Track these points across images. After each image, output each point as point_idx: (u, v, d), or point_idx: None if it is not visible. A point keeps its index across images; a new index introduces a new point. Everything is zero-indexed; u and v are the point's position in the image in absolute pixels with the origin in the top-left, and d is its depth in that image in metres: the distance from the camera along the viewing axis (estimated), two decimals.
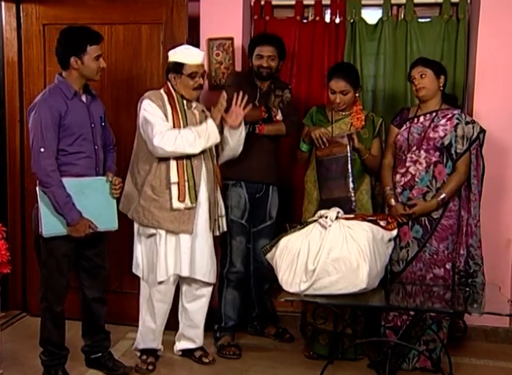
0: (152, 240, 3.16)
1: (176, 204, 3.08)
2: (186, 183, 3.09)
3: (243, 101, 3.14)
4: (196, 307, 3.35)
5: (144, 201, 3.12)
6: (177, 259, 3.14)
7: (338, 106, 3.35)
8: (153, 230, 3.14)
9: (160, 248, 3.13)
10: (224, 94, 3.17)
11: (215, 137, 3.10)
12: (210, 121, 3.10)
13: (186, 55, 3.12)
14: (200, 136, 3.05)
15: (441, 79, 3.17)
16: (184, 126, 3.11)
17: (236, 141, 3.23)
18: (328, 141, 3.28)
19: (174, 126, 3.09)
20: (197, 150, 3.07)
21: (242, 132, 3.23)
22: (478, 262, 3.18)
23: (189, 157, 3.10)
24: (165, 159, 3.09)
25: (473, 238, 3.18)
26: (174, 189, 3.08)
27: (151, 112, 3.08)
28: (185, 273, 3.15)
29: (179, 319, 3.41)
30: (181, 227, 3.11)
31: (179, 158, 3.08)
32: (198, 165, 3.15)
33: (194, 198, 3.11)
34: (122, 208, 3.20)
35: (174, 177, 3.08)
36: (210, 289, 3.35)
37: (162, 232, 3.12)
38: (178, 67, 3.11)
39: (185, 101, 3.18)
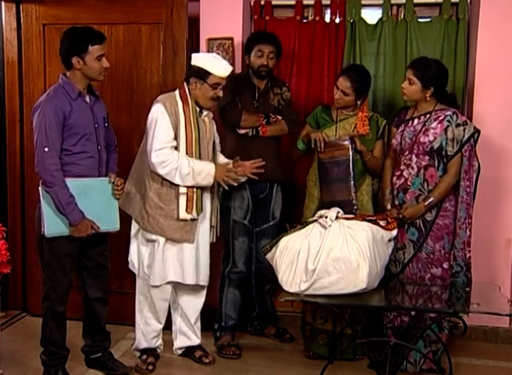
0: (151, 244, 3.18)
1: (183, 214, 3.09)
2: (195, 195, 3.10)
3: (256, 166, 3.15)
4: (190, 304, 3.37)
5: (149, 207, 3.12)
6: (179, 267, 3.16)
7: (336, 102, 3.36)
8: (154, 236, 3.15)
9: (157, 254, 3.15)
10: (240, 165, 3.15)
11: (205, 183, 3.10)
12: (212, 171, 3.08)
13: (216, 65, 3.08)
14: (194, 176, 3.05)
15: (429, 90, 3.13)
16: (196, 136, 3.10)
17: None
18: (326, 145, 3.27)
19: (186, 136, 3.08)
20: (184, 184, 3.07)
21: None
22: (460, 264, 3.15)
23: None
24: None
25: (456, 239, 3.16)
26: (182, 199, 3.09)
27: (159, 121, 3.05)
28: (190, 281, 3.18)
29: (173, 315, 3.42)
30: (184, 237, 3.13)
31: None
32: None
33: (200, 209, 3.13)
34: (121, 205, 3.18)
35: (183, 188, 3.09)
36: (204, 288, 3.36)
37: (162, 239, 3.14)
38: (203, 74, 3.07)
39: (197, 109, 3.16)
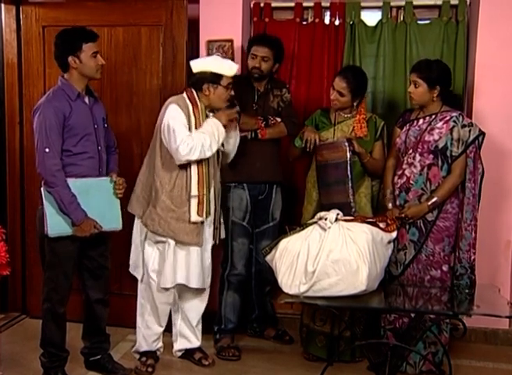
0: (160, 246, 3.18)
1: (195, 217, 3.10)
2: (205, 197, 3.11)
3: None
4: (192, 307, 3.37)
5: (161, 210, 3.11)
6: (185, 270, 3.16)
7: (332, 103, 3.36)
8: (163, 238, 3.15)
9: (168, 256, 3.14)
10: (237, 109, 3.19)
11: (222, 135, 3.11)
12: (215, 120, 3.10)
13: (225, 66, 3.12)
14: (213, 138, 3.05)
15: (435, 90, 3.14)
16: None
17: (231, 146, 3.26)
18: (324, 147, 3.29)
19: None
20: (213, 151, 3.09)
21: (237, 138, 3.26)
22: (465, 266, 3.15)
23: (208, 170, 3.13)
24: (185, 171, 3.10)
25: (462, 241, 3.16)
26: (193, 202, 3.09)
27: (177, 118, 3.06)
28: (194, 284, 3.19)
29: (174, 318, 3.42)
30: (195, 240, 3.13)
31: (199, 171, 3.10)
32: (212, 178, 3.18)
33: (208, 212, 3.15)
34: (129, 209, 3.20)
35: (194, 190, 3.09)
36: (207, 291, 3.36)
37: (172, 241, 3.13)
38: (216, 78, 3.10)
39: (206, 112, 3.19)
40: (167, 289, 3.21)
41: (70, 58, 2.90)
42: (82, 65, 2.92)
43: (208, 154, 3.07)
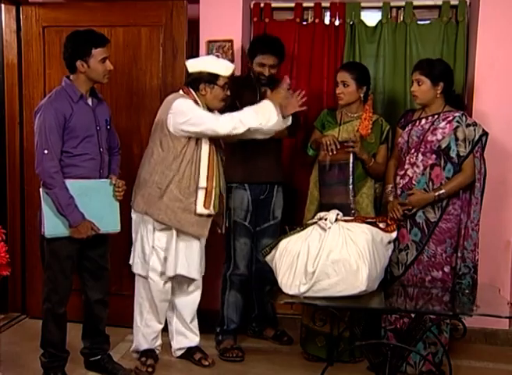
0: (163, 238, 3.16)
1: (200, 209, 3.09)
2: (213, 191, 3.11)
3: (301, 96, 3.09)
4: (186, 304, 3.38)
5: (168, 200, 3.09)
6: (188, 262, 3.17)
7: (338, 97, 3.36)
8: (166, 226, 3.14)
9: (171, 246, 3.15)
10: (287, 80, 3.12)
11: (274, 118, 3.02)
12: (268, 101, 3.05)
13: (221, 66, 3.13)
14: (257, 113, 3.02)
15: (439, 86, 3.15)
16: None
17: (274, 128, 3.11)
18: (336, 148, 3.27)
19: None
20: (259, 122, 3.01)
21: (286, 124, 3.16)
22: (469, 265, 3.15)
23: (218, 163, 3.13)
24: (195, 162, 3.08)
25: (467, 241, 3.16)
26: (201, 194, 3.09)
27: (190, 106, 3.05)
28: (195, 275, 3.21)
29: (168, 316, 3.41)
30: (199, 232, 3.14)
31: (210, 163, 3.09)
32: (221, 171, 3.19)
33: (217, 206, 3.14)
34: (136, 207, 3.17)
35: (203, 182, 3.09)
36: (200, 283, 3.36)
37: (174, 232, 3.14)
38: (212, 78, 3.11)
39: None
40: (165, 284, 3.21)
41: (78, 63, 2.91)
42: (90, 70, 2.92)
43: (252, 123, 3.01)
